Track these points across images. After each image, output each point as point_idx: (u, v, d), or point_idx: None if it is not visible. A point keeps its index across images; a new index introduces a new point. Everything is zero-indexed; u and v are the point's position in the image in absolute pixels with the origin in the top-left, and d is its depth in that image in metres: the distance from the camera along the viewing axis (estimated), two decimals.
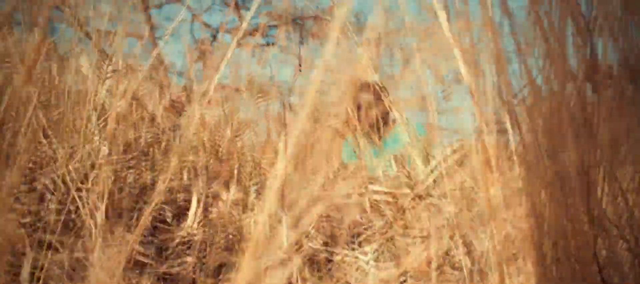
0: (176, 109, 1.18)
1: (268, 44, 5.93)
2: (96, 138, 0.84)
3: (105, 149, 0.87)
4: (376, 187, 0.69)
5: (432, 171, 0.66)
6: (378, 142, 1.46)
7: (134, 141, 1.09)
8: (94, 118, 0.87)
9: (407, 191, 0.67)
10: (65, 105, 0.89)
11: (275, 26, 5.76)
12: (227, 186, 1.07)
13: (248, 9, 5.77)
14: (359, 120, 2.08)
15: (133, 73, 1.13)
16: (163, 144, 1.14)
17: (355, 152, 2.11)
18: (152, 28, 5.57)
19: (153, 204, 0.63)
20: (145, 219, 0.70)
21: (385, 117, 2.07)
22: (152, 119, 1.13)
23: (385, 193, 0.71)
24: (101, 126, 0.91)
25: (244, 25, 0.76)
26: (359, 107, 2.16)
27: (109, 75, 1.00)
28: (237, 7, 5.70)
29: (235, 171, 1.05)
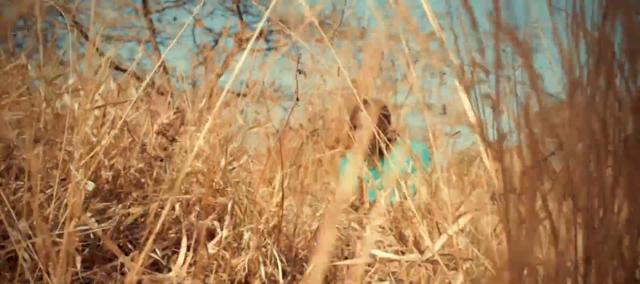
0: (167, 136, 1.13)
1: (269, 49, 5.87)
2: (79, 176, 0.78)
3: (89, 188, 0.82)
4: (381, 254, 0.64)
5: (441, 242, 0.60)
6: (379, 164, 1.41)
7: (123, 171, 1.03)
8: (76, 154, 0.81)
9: (413, 255, 0.61)
10: (46, 138, 0.83)
11: (277, 31, 5.71)
12: (220, 221, 1.01)
13: (250, 13, 5.70)
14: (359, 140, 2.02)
15: (124, 102, 1.07)
16: (154, 173, 1.08)
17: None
18: (154, 32, 5.52)
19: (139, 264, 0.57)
20: (132, 276, 0.64)
21: (386, 138, 2.01)
22: (143, 148, 1.08)
23: (392, 260, 0.66)
24: (86, 161, 0.85)
25: (254, 33, 0.71)
26: (359, 127, 2.10)
27: (96, 104, 0.94)
28: (239, 12, 5.65)
29: (229, 206, 1.00)
